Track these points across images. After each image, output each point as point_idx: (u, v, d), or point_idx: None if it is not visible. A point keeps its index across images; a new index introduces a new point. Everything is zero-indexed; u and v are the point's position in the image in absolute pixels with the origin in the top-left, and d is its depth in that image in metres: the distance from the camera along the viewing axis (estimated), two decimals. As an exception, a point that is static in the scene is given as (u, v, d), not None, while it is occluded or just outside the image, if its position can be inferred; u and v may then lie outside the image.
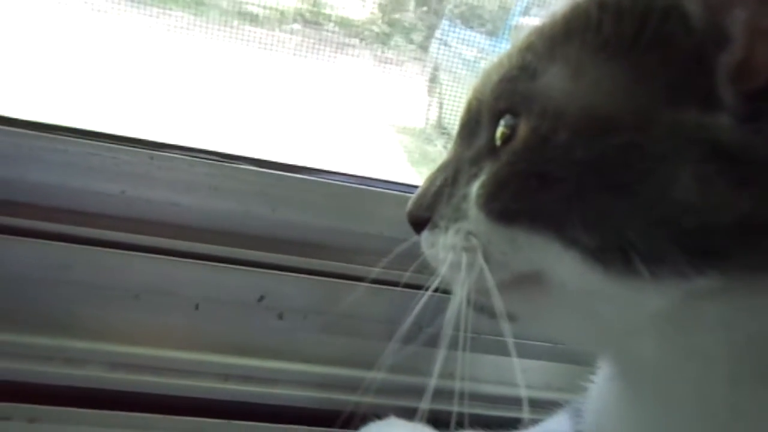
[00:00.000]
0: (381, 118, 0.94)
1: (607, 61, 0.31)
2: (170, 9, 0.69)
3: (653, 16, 0.29)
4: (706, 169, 0.27)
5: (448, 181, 0.40)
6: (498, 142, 0.36)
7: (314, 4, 0.75)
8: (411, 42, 0.80)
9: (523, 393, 0.40)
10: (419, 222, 0.41)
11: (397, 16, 0.81)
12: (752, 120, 0.27)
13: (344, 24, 0.77)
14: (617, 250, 0.29)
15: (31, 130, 0.55)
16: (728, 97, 0.27)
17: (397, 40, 0.79)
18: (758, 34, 0.26)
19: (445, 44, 0.77)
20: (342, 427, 0.56)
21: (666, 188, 0.27)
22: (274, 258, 0.61)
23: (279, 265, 0.60)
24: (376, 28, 0.78)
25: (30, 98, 0.69)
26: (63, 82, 0.76)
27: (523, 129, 0.33)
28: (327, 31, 0.75)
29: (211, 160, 0.59)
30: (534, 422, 0.57)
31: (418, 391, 0.62)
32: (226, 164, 0.60)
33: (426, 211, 0.41)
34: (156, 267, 0.58)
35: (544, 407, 0.56)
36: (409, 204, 0.43)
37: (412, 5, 0.81)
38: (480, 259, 0.35)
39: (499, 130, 0.36)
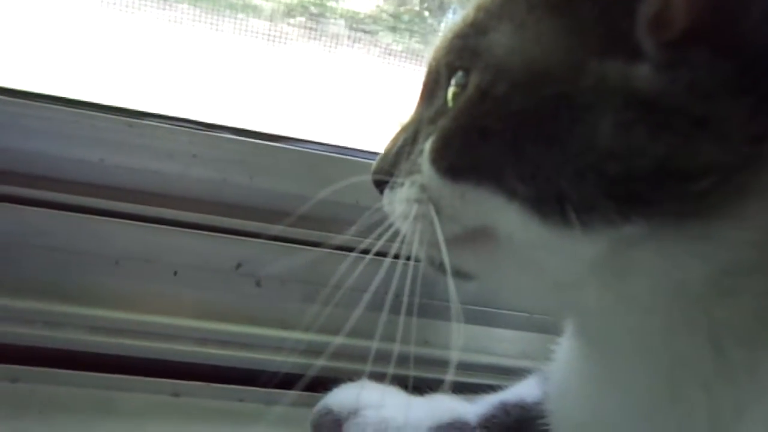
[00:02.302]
0: (386, 109, 0.95)
1: (547, 16, 0.32)
2: (177, 2, 0.69)
3: None
4: (626, 117, 0.28)
5: (408, 140, 0.41)
6: (450, 103, 0.37)
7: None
8: (417, 33, 0.80)
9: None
10: (382, 182, 0.42)
11: (403, 7, 0.81)
12: (669, 69, 0.27)
13: (350, 16, 0.77)
14: (553, 200, 0.30)
15: (12, 97, 0.56)
16: (648, 47, 0.28)
17: (403, 31, 0.79)
18: None
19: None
20: (315, 390, 0.57)
21: (590, 137, 0.28)
22: (251, 226, 0.62)
23: (256, 233, 0.61)
24: (382, 20, 0.79)
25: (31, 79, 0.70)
26: (64, 70, 0.76)
27: (470, 86, 0.34)
28: (332, 23, 0.75)
29: (189, 128, 0.60)
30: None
31: (395, 358, 0.64)
32: (205, 132, 0.60)
33: (388, 172, 0.42)
34: (135, 234, 0.59)
35: (519, 375, 0.58)
36: (373, 165, 0.44)
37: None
38: (431, 211, 0.36)
39: (450, 90, 0.37)
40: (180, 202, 0.61)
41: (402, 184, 0.39)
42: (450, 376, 0.55)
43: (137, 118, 0.59)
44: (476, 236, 0.35)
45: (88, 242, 0.59)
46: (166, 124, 0.59)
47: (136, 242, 0.60)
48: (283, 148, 0.62)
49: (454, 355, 0.52)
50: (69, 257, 0.59)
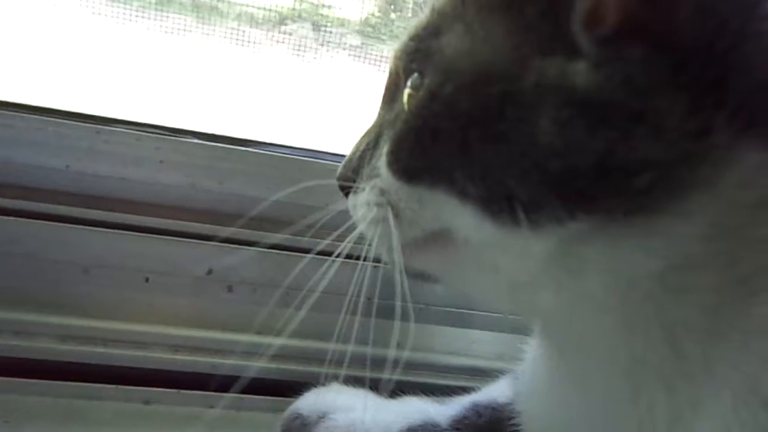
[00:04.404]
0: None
1: (493, 16, 0.32)
2: (168, 11, 0.69)
3: None
4: (564, 113, 0.28)
5: (370, 144, 0.42)
6: (405, 106, 0.37)
7: (313, 5, 0.75)
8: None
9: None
10: (346, 187, 0.43)
11: (395, 15, 0.81)
12: (605, 65, 0.27)
13: (342, 24, 0.77)
14: (503, 200, 0.30)
15: (-24, 106, 0.56)
16: (584, 43, 0.28)
17: (395, 38, 0.79)
18: None
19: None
20: (288, 395, 0.57)
21: (532, 134, 0.29)
22: (222, 231, 0.61)
23: (227, 238, 0.61)
24: (373, 28, 0.78)
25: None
26: (55, 81, 0.75)
27: (422, 88, 0.34)
28: (324, 31, 0.75)
29: (157, 133, 0.60)
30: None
31: (364, 361, 0.63)
32: (173, 138, 0.60)
33: (351, 177, 0.42)
34: (105, 241, 0.59)
35: (494, 377, 0.57)
36: (338, 170, 0.45)
37: (410, 4, 0.81)
38: (389, 214, 0.36)
39: (406, 92, 0.37)
40: (149, 209, 0.60)
41: (363, 189, 0.39)
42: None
43: (104, 125, 0.59)
44: (436, 239, 0.36)
45: (57, 250, 0.58)
46: (133, 130, 0.59)
47: (106, 249, 0.59)
48: (251, 152, 0.61)
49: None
50: (37, 265, 0.58)
